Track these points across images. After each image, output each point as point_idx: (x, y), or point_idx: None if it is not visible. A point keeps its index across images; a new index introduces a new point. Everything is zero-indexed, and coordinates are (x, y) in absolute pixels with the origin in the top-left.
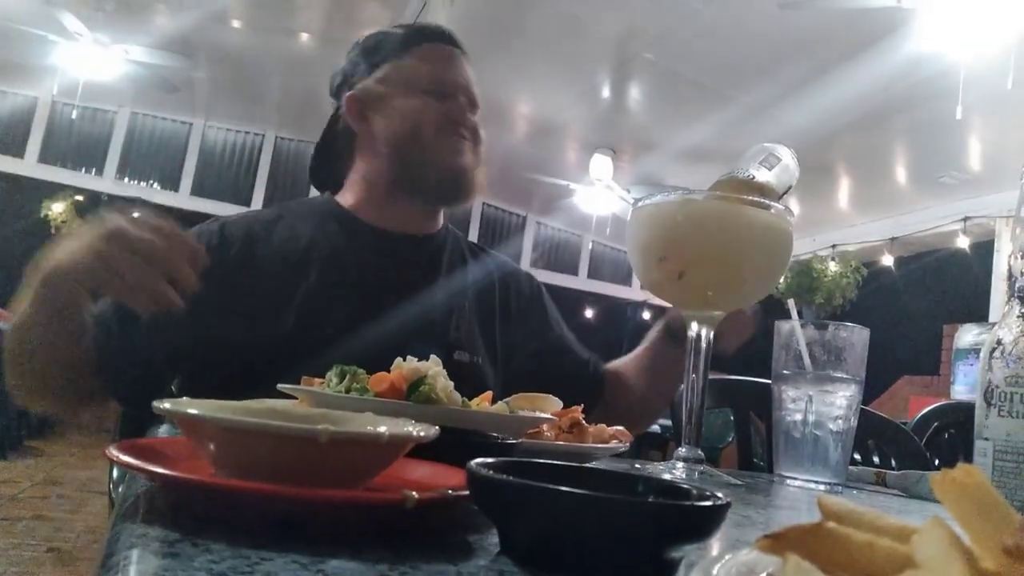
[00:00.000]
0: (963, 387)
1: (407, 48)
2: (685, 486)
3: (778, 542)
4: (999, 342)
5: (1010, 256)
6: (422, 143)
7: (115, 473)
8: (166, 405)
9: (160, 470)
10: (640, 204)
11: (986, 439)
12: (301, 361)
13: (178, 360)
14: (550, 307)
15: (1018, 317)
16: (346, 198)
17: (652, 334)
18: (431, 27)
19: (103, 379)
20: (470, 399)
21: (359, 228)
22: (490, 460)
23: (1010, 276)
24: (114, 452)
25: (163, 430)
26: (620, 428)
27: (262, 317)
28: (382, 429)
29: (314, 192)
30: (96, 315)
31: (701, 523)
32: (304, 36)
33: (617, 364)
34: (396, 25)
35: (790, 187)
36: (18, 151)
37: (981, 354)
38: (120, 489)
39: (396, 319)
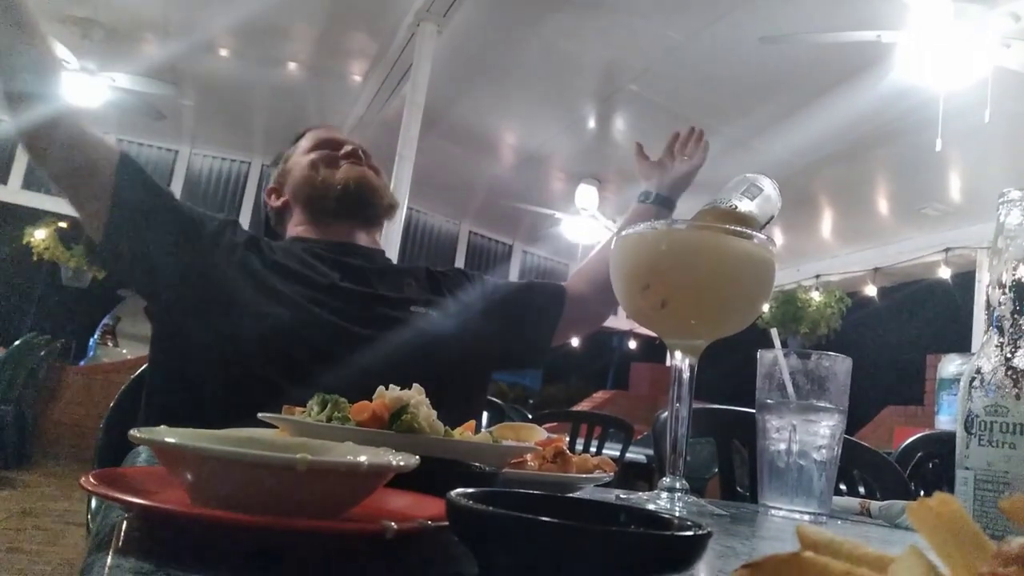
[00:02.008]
0: (947, 417)
1: (297, 140)
2: (667, 516)
3: (757, 572)
4: (978, 371)
5: (988, 286)
6: (315, 176)
7: (93, 504)
8: (142, 433)
9: (136, 500)
10: (624, 233)
11: (967, 468)
12: (282, 375)
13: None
14: (475, 275)
15: (996, 347)
16: (299, 234)
17: (637, 205)
18: (315, 125)
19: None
20: (433, 349)
21: (317, 241)
22: (470, 490)
23: (988, 306)
24: (90, 481)
25: (141, 459)
26: (604, 458)
27: (243, 317)
28: (362, 458)
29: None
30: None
31: (683, 553)
32: (291, 65)
33: (576, 272)
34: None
35: (772, 217)
36: (1, 177)
37: (961, 383)
38: (97, 519)
39: (362, 302)
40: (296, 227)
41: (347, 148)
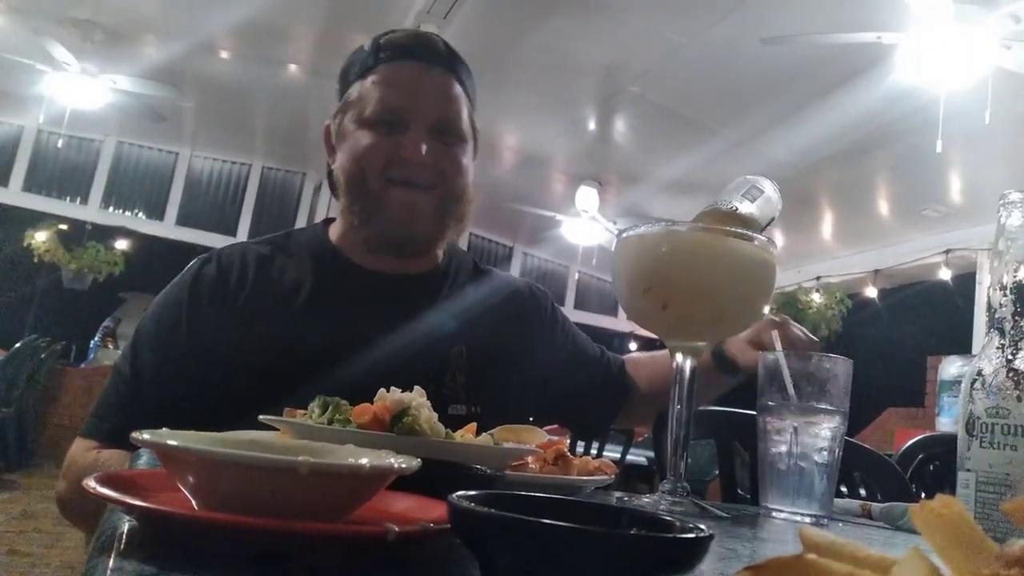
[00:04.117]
0: (948, 419)
1: (366, 69)
2: (669, 518)
3: (760, 574)
4: (980, 373)
5: (989, 288)
6: (367, 190)
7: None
8: (145, 436)
9: (137, 502)
10: (625, 235)
11: (968, 471)
12: (282, 397)
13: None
14: (560, 315)
15: (997, 348)
16: (335, 230)
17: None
18: (397, 39)
19: None
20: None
21: (346, 268)
22: (472, 492)
23: (989, 308)
24: (91, 484)
25: (142, 462)
26: (605, 460)
27: (246, 350)
28: (363, 461)
29: (300, 222)
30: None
31: (684, 556)
32: (292, 67)
33: (636, 361)
34: (377, 35)
35: (773, 219)
36: (2, 179)
37: (962, 385)
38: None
39: (380, 371)
40: (338, 222)
41: (407, 150)
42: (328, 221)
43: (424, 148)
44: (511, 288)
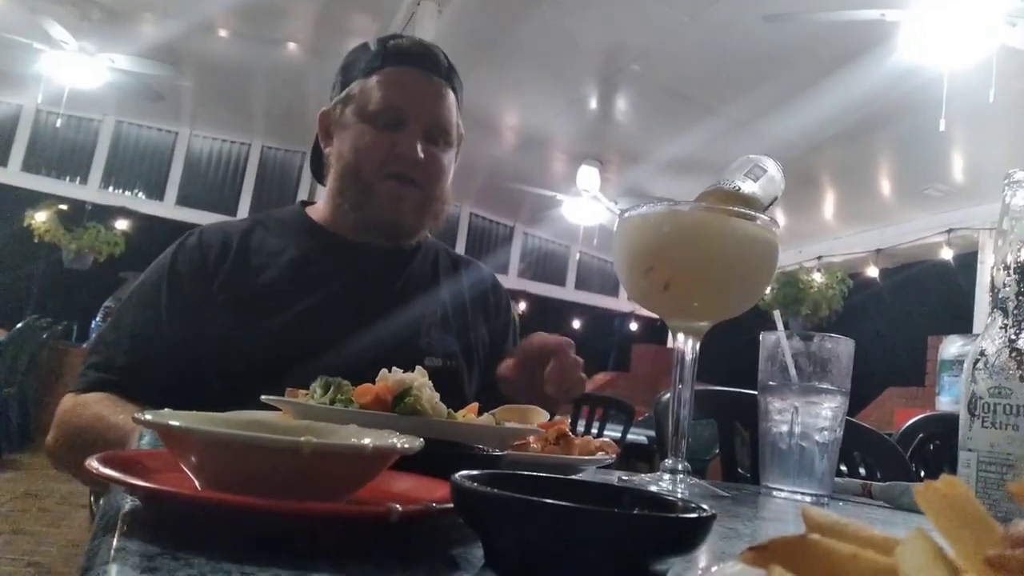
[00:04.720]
0: (948, 398)
1: (372, 69)
2: (671, 498)
3: (762, 554)
4: (982, 353)
5: (993, 268)
6: (362, 179)
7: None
8: (147, 416)
9: (141, 483)
10: (626, 215)
11: (970, 450)
12: (274, 372)
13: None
14: (505, 301)
15: (1000, 328)
16: (318, 208)
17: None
18: (403, 46)
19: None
20: (444, 401)
21: (328, 240)
22: (475, 472)
23: (993, 287)
24: (94, 464)
25: (145, 442)
26: (607, 440)
27: (235, 326)
28: (366, 441)
29: (300, 199)
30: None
31: (686, 535)
32: (291, 46)
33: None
34: (382, 37)
35: (775, 198)
36: (1, 159)
37: (965, 365)
38: (101, 502)
39: (365, 328)
40: (322, 204)
41: (402, 147)
42: (305, 203)
43: (418, 148)
44: (476, 269)
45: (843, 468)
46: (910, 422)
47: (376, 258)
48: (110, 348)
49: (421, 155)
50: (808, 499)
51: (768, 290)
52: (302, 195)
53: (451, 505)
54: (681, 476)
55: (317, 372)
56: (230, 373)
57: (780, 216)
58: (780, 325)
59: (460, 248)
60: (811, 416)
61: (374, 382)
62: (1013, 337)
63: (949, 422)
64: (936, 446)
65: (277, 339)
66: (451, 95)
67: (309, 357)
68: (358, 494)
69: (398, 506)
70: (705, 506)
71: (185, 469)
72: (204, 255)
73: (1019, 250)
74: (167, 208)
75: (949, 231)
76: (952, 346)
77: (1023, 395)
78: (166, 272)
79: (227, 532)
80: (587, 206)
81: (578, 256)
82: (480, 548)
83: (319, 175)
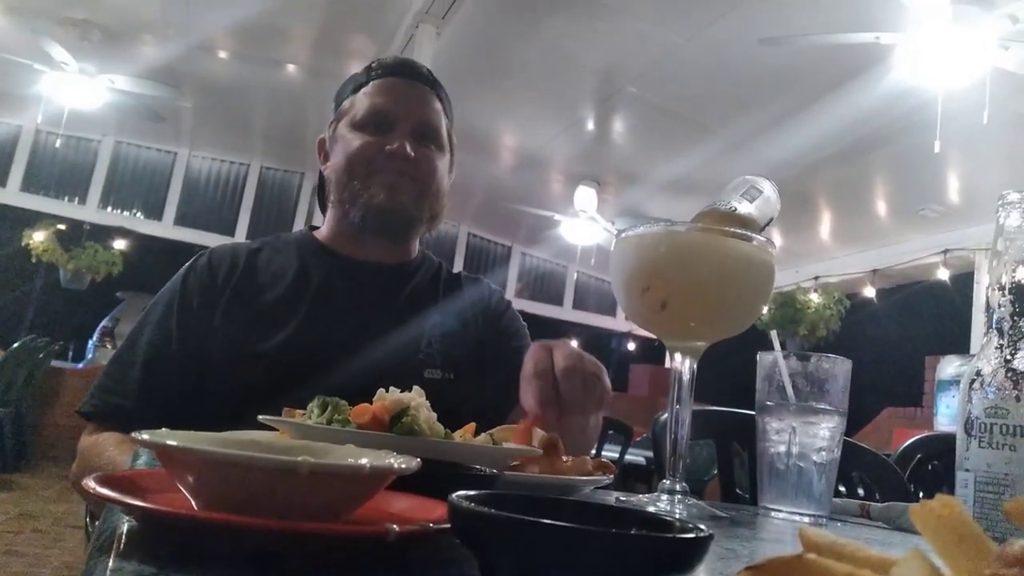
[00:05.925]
0: (946, 419)
1: (359, 85)
2: (668, 518)
3: (760, 574)
4: (978, 373)
5: (988, 288)
6: (354, 177)
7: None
8: (145, 436)
9: (137, 502)
10: (623, 235)
11: (967, 470)
12: (277, 387)
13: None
14: (521, 326)
15: (996, 348)
16: (322, 232)
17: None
18: (386, 62)
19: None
20: (444, 415)
21: (331, 258)
22: (472, 492)
23: (988, 308)
24: (91, 484)
25: (141, 462)
26: (604, 460)
27: (239, 343)
28: (363, 461)
29: (299, 222)
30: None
31: (684, 556)
32: (290, 67)
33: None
34: (373, 61)
35: (771, 219)
36: (0, 179)
37: (961, 385)
38: (97, 523)
39: (366, 342)
40: (325, 224)
41: (393, 145)
42: (313, 228)
43: (407, 147)
44: (485, 286)
45: (841, 489)
46: (908, 442)
47: (378, 274)
48: (124, 368)
49: (412, 152)
50: (806, 519)
51: (765, 310)
52: (300, 215)
53: (448, 525)
54: (679, 496)
55: (319, 385)
56: (233, 390)
57: (776, 236)
58: (777, 345)
59: (458, 267)
60: (809, 436)
61: (374, 394)
62: (1008, 357)
63: (947, 442)
64: (934, 466)
65: (281, 354)
66: (436, 102)
67: (311, 372)
68: (355, 514)
69: (395, 526)
70: (703, 526)
71: (182, 489)
72: (213, 274)
73: (1013, 271)
74: (165, 228)
75: (945, 251)
76: (949, 366)
77: (1019, 415)
78: (177, 292)
79: (224, 552)
80: (584, 226)
81: (575, 276)
82: (477, 569)
83: (324, 205)
